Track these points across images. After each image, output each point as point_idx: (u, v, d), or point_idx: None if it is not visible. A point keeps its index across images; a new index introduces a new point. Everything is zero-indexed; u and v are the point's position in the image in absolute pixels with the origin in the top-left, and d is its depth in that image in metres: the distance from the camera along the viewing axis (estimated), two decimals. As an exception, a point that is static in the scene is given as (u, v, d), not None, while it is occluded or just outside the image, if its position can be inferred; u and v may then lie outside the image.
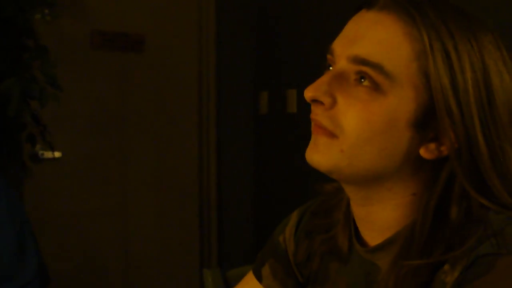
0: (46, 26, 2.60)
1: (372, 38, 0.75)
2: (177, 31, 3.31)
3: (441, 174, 0.76)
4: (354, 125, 0.75)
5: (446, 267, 0.72)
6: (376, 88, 0.74)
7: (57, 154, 2.90)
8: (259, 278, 1.06)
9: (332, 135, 0.77)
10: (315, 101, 0.78)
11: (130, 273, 3.23)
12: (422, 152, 0.76)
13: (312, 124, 0.81)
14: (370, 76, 0.74)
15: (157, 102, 3.26)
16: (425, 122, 0.75)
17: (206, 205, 3.41)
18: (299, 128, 2.96)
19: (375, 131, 0.74)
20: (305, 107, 3.04)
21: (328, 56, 0.81)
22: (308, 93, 0.77)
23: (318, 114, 0.78)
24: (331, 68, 0.81)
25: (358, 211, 0.86)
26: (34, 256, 1.25)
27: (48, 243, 2.89)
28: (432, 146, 0.76)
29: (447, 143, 0.73)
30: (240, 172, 3.48)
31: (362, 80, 0.75)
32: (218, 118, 3.40)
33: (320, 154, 0.78)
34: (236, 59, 3.44)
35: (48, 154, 2.86)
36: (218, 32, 3.37)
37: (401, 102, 0.74)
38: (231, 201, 3.46)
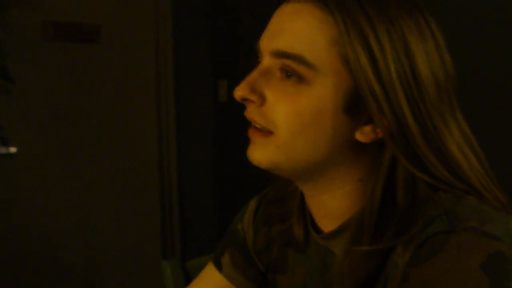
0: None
1: (291, 30, 0.75)
2: (133, 20, 3.25)
3: (384, 156, 0.76)
4: (284, 119, 0.75)
5: (399, 249, 0.72)
6: (300, 80, 0.74)
7: (12, 149, 2.83)
8: (219, 267, 1.05)
9: (266, 133, 0.78)
10: (246, 99, 0.78)
11: (92, 267, 3.20)
12: (358, 136, 0.76)
13: (249, 130, 0.81)
14: (292, 68, 0.74)
15: (114, 93, 3.21)
16: (355, 106, 0.74)
17: (167, 195, 3.39)
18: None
19: (306, 123, 0.74)
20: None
21: (258, 55, 0.82)
22: (237, 93, 0.78)
23: (251, 112, 0.79)
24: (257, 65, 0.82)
25: (310, 201, 0.86)
26: None
27: (6, 241, 2.84)
28: (367, 129, 0.75)
29: (379, 124, 0.73)
30: (201, 161, 3.46)
31: (287, 73, 0.75)
32: (177, 108, 3.36)
33: (258, 152, 0.79)
34: (194, 47, 3.40)
35: (2, 150, 2.78)
36: (175, 21, 3.33)
37: (327, 90, 0.73)
38: (192, 190, 3.44)
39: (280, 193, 0.99)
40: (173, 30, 3.33)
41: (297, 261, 0.92)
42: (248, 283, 1.03)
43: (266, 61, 0.78)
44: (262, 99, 0.77)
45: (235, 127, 3.17)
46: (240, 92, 0.77)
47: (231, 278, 1.04)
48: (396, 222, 0.73)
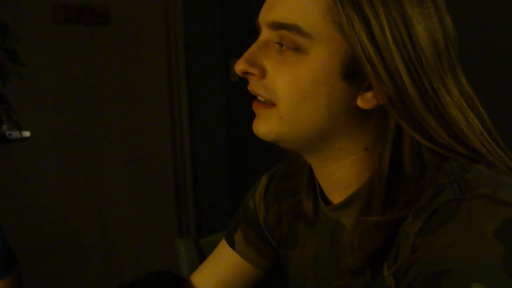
0: (4, 2, 2.52)
1: (286, 0, 0.75)
2: (142, 0, 3.23)
3: (389, 124, 0.75)
4: (284, 90, 0.75)
5: (410, 218, 0.71)
6: (297, 49, 0.74)
7: (25, 133, 2.84)
8: (232, 244, 1.06)
9: (269, 104, 0.78)
10: (247, 73, 0.79)
11: (108, 247, 3.22)
12: (360, 102, 0.75)
13: (253, 103, 0.81)
14: (289, 38, 0.74)
15: (126, 75, 3.20)
16: (354, 73, 0.73)
17: (181, 175, 3.40)
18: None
19: (306, 91, 0.74)
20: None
21: (258, 27, 0.82)
22: (238, 67, 0.78)
23: (253, 85, 0.79)
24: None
25: (318, 173, 0.86)
26: None
27: (21, 225, 2.87)
28: (369, 95, 0.74)
29: (378, 90, 0.72)
30: (213, 141, 3.46)
31: (284, 44, 0.75)
32: (189, 88, 3.36)
33: (262, 125, 0.79)
34: (205, 27, 3.39)
35: (16, 134, 2.79)
36: (185, 0, 3.30)
37: (324, 58, 0.73)
38: (206, 169, 3.45)
39: (290, 168, 0.99)
40: (183, 10, 3.31)
41: (307, 235, 0.93)
42: (261, 259, 1.04)
43: (264, 34, 0.79)
44: (263, 71, 0.77)
45: (247, 106, 3.15)
46: (240, 66, 0.78)
47: (244, 255, 1.05)
48: (406, 191, 0.72)
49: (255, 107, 0.81)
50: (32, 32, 2.86)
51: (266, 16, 0.78)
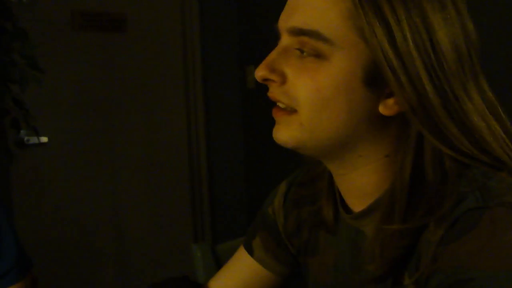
0: (24, 8, 2.55)
1: (306, 6, 0.74)
2: (159, 8, 3.26)
3: (410, 130, 0.75)
4: (305, 96, 0.74)
5: (431, 226, 0.70)
6: (318, 55, 0.73)
7: (43, 139, 2.87)
8: (250, 251, 1.05)
9: (290, 111, 0.77)
10: (267, 80, 0.78)
11: (123, 251, 3.23)
12: (381, 109, 0.74)
13: (273, 110, 0.80)
14: (309, 44, 0.73)
15: (143, 81, 3.22)
16: (376, 79, 0.72)
17: (197, 181, 3.40)
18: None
19: (327, 98, 0.73)
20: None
21: (278, 33, 0.81)
22: (258, 73, 0.77)
23: (273, 92, 0.78)
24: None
25: (338, 180, 0.86)
26: (12, 247, 1.21)
27: (38, 229, 2.89)
28: (390, 101, 0.74)
29: (399, 97, 0.72)
30: (230, 147, 3.46)
31: (304, 50, 0.74)
32: (205, 95, 3.37)
33: (282, 132, 0.78)
34: (221, 33, 3.40)
35: (34, 139, 2.81)
36: (201, 7, 3.32)
37: (345, 64, 0.72)
38: (222, 176, 3.45)
39: (309, 175, 0.98)
40: (199, 17, 3.32)
41: (327, 242, 0.92)
42: (280, 266, 1.04)
43: (284, 39, 0.78)
44: (283, 78, 0.76)
45: (264, 113, 3.15)
46: (261, 72, 0.77)
47: (262, 262, 1.04)
48: (428, 200, 0.71)
49: (275, 114, 0.79)
50: (51, 38, 2.89)
51: (285, 22, 0.77)
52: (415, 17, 0.70)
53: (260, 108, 3.21)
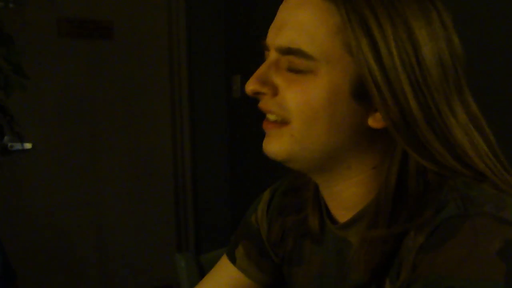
0: (10, 14, 2.54)
1: (293, 24, 0.75)
2: (146, 16, 3.26)
3: (396, 143, 0.75)
4: (296, 108, 0.75)
5: (412, 233, 0.71)
6: (305, 71, 0.74)
7: (27, 145, 2.85)
8: (232, 260, 1.05)
9: (281, 123, 0.78)
10: (258, 93, 0.79)
11: (106, 262, 3.21)
12: (371, 122, 0.75)
13: (264, 123, 0.81)
14: (295, 63, 0.75)
15: (128, 89, 3.22)
16: (364, 93, 0.73)
17: (181, 190, 3.40)
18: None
19: (317, 111, 0.74)
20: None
21: (265, 47, 0.82)
22: (249, 87, 0.78)
23: (266, 103, 0.79)
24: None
25: (325, 192, 0.86)
26: None
27: (21, 237, 2.86)
28: (379, 115, 0.74)
29: (382, 111, 0.73)
30: (214, 156, 3.46)
31: (292, 67, 0.75)
32: (191, 103, 3.37)
33: (273, 144, 0.79)
34: (208, 42, 3.40)
35: (18, 146, 2.80)
36: (188, 16, 3.33)
37: (333, 79, 0.73)
38: (206, 185, 3.45)
39: (294, 184, 0.99)
40: (186, 26, 3.33)
41: (313, 252, 0.92)
42: (263, 275, 1.03)
43: (273, 55, 0.79)
44: (275, 89, 0.77)
45: (249, 122, 3.17)
46: (251, 86, 0.78)
47: (245, 271, 1.04)
48: (409, 207, 0.73)
49: (266, 126, 0.80)
50: (37, 44, 2.88)
51: (274, 38, 0.78)
52: (402, 32, 0.71)
53: (246, 117, 3.22)
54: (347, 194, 0.82)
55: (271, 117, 0.79)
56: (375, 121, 0.75)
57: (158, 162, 3.36)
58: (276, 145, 0.78)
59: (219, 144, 3.46)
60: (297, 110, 0.75)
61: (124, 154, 3.23)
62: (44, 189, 2.99)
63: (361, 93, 0.73)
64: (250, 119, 3.16)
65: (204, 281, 1.09)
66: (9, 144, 2.80)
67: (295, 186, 0.98)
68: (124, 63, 3.19)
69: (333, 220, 0.87)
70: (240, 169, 3.41)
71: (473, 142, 0.74)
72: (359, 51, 0.71)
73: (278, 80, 0.77)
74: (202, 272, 1.33)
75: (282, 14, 0.78)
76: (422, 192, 0.73)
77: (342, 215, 0.84)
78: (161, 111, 3.35)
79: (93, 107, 3.13)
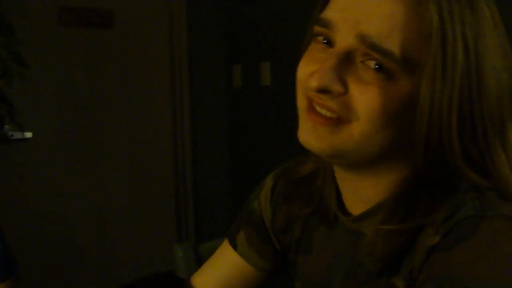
0: (10, 3, 2.53)
1: (383, 17, 0.68)
2: (146, 5, 3.25)
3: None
4: (370, 112, 0.69)
5: (429, 230, 0.70)
6: (386, 73, 0.68)
7: (27, 134, 2.85)
8: (234, 245, 1.04)
9: (338, 120, 0.72)
10: (325, 91, 0.71)
11: (106, 250, 3.22)
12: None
13: (306, 108, 0.75)
14: (380, 62, 0.68)
15: (128, 78, 3.21)
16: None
17: (181, 180, 3.39)
18: (273, 101, 2.95)
19: (391, 117, 0.70)
20: (278, 80, 3.04)
21: (322, 30, 0.74)
22: (314, 83, 0.71)
23: (327, 100, 0.72)
24: (324, 42, 0.75)
25: (346, 185, 0.84)
26: None
27: (22, 226, 2.87)
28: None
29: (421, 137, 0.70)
30: (215, 146, 3.46)
31: (371, 66, 0.69)
32: (191, 93, 3.36)
33: (321, 140, 0.73)
34: (208, 32, 3.39)
35: (18, 135, 2.80)
36: (189, 5, 3.32)
37: (413, 86, 0.69)
38: (207, 175, 3.45)
39: (300, 170, 0.95)
40: (187, 15, 3.31)
41: (323, 242, 0.90)
42: (264, 262, 1.02)
43: (347, 44, 0.71)
44: (345, 88, 0.70)
45: (250, 112, 3.18)
46: (320, 82, 0.70)
47: (246, 257, 1.02)
48: (428, 203, 0.71)
49: (317, 121, 0.73)
50: (37, 34, 2.87)
51: (354, 25, 0.70)
52: (472, 53, 0.68)
53: (246, 107, 3.22)
54: (371, 190, 0.79)
55: (325, 113, 0.72)
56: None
57: (158, 151, 3.35)
58: (325, 141, 0.73)
59: (219, 134, 3.46)
60: (369, 113, 0.69)
61: (124, 144, 3.23)
62: (44, 178, 2.99)
63: None
64: (251, 109, 3.16)
65: (204, 266, 1.08)
66: (10, 133, 2.80)
67: (302, 174, 0.95)
68: (124, 52, 3.18)
69: (345, 212, 0.85)
70: (241, 160, 3.41)
71: None
72: (430, 66, 0.67)
73: (351, 79, 0.70)
74: (201, 262, 1.33)
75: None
76: (439, 190, 0.71)
77: (357, 207, 0.82)
78: (161, 101, 3.34)
79: (93, 96, 3.12)
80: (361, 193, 0.81)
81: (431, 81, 0.67)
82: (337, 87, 0.70)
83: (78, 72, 3.06)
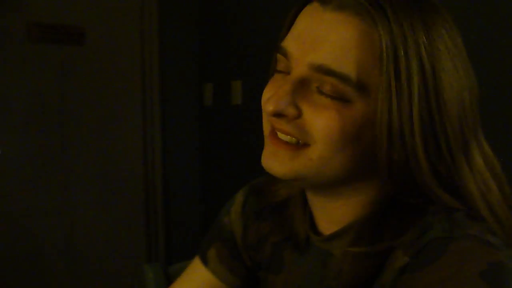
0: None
1: (335, 43, 0.70)
2: (118, 22, 3.23)
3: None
4: (325, 134, 0.71)
5: (398, 252, 0.71)
6: (342, 98, 0.70)
7: (-5, 151, 2.80)
8: (205, 261, 1.04)
9: (297, 145, 0.74)
10: (279, 115, 0.73)
11: (75, 269, 3.17)
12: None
13: (268, 133, 0.77)
14: (336, 87, 0.70)
15: (99, 96, 3.19)
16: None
17: (152, 199, 3.37)
18: (244, 120, 2.95)
19: (349, 139, 0.71)
20: (249, 98, 3.04)
21: (280, 57, 0.76)
22: (270, 108, 0.72)
23: (283, 124, 0.74)
24: (279, 70, 0.77)
25: (316, 206, 0.85)
26: None
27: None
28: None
29: (385, 155, 0.71)
30: (185, 165, 3.45)
31: (326, 92, 0.71)
32: (162, 111, 3.35)
33: (282, 164, 0.75)
34: (180, 50, 3.39)
35: (-15, 152, 2.75)
36: (160, 23, 3.32)
37: (369, 108, 0.70)
38: (177, 194, 3.43)
39: (269, 188, 0.97)
40: (159, 33, 3.31)
41: (294, 262, 0.91)
42: (234, 278, 1.02)
43: (300, 72, 0.73)
44: (298, 112, 0.72)
45: (220, 130, 3.17)
46: (275, 107, 0.72)
47: (217, 273, 1.02)
48: (396, 226, 0.72)
49: (276, 146, 0.75)
50: (6, 50, 2.83)
51: (307, 53, 0.72)
52: (429, 72, 0.69)
53: (217, 125, 3.21)
54: (339, 211, 0.80)
55: (285, 138, 0.75)
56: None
57: (129, 170, 3.33)
58: (286, 166, 0.74)
59: (190, 152, 3.45)
60: (325, 136, 0.71)
61: (94, 161, 3.19)
62: (12, 195, 2.94)
63: None
64: (221, 128, 3.16)
65: (176, 283, 1.08)
66: (-23, 151, 2.76)
67: (272, 191, 0.96)
68: (95, 69, 3.16)
69: (317, 232, 0.86)
70: (211, 178, 3.40)
71: (484, 193, 0.72)
72: (385, 88, 0.68)
73: (305, 103, 0.72)
74: (171, 283, 1.32)
75: (314, 27, 0.72)
76: (408, 212, 0.72)
77: (328, 228, 0.84)
78: (132, 119, 3.32)
79: (64, 113, 3.09)
80: (330, 214, 0.82)
81: (387, 102, 0.68)
82: (291, 111, 0.72)
83: (48, 89, 3.02)
